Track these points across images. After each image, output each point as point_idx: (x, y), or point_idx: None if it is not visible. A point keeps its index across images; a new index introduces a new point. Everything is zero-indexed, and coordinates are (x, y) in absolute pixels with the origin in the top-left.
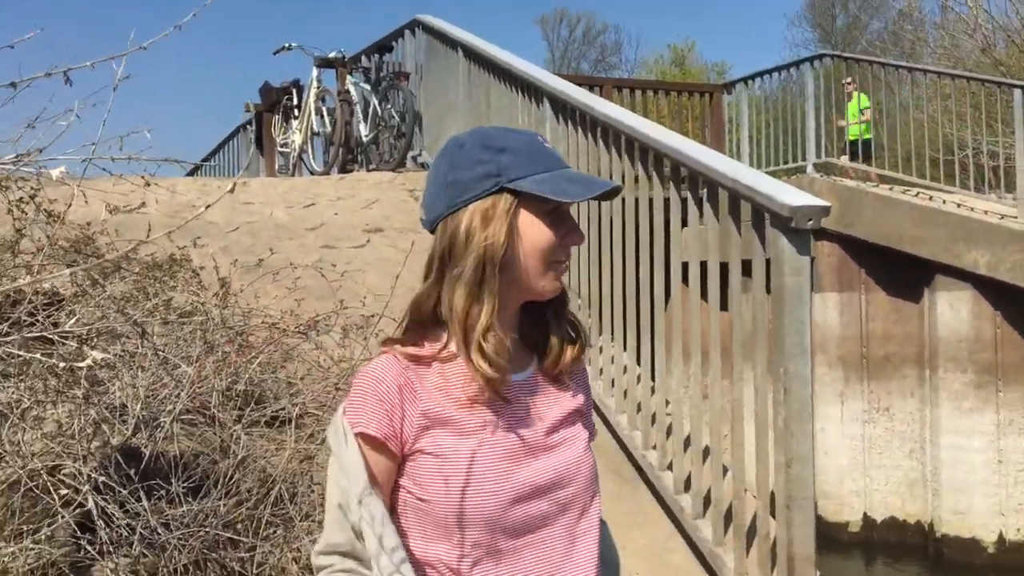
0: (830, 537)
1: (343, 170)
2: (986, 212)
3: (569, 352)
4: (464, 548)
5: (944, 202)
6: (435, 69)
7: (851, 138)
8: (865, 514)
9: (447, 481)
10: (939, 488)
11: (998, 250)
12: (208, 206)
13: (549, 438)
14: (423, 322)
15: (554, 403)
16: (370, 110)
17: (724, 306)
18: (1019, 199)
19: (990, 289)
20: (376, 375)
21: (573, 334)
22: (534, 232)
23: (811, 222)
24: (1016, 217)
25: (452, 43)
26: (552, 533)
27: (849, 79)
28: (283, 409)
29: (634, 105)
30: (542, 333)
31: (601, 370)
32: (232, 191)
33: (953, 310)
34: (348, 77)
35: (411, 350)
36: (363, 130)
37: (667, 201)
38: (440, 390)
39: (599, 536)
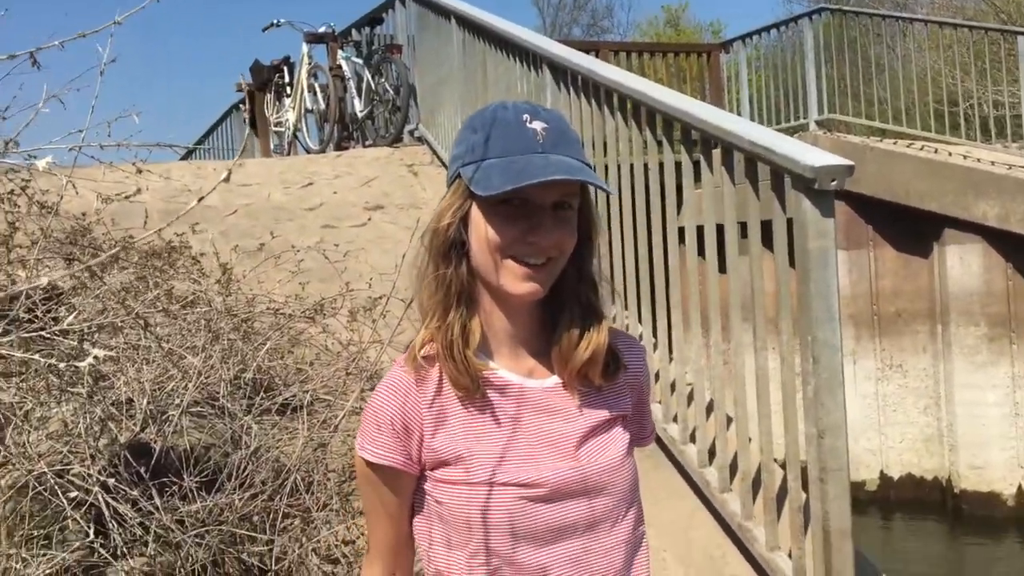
0: None
1: (339, 147)
2: (992, 163)
3: (579, 354)
4: (484, 555)
5: (949, 154)
6: (427, 40)
7: None
8: (882, 472)
9: (466, 486)
10: (955, 443)
11: (1007, 201)
12: (200, 199)
13: (577, 444)
14: None
15: (586, 409)
16: (363, 85)
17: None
18: None
19: (1000, 241)
20: (378, 401)
21: (583, 335)
22: (481, 223)
23: (835, 182)
24: None
25: (444, 12)
26: (578, 545)
27: None
28: (293, 396)
29: (631, 68)
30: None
31: None
32: (227, 180)
33: (963, 263)
34: (339, 52)
35: (428, 348)
36: (358, 105)
37: (678, 164)
38: (449, 389)
39: (636, 550)
